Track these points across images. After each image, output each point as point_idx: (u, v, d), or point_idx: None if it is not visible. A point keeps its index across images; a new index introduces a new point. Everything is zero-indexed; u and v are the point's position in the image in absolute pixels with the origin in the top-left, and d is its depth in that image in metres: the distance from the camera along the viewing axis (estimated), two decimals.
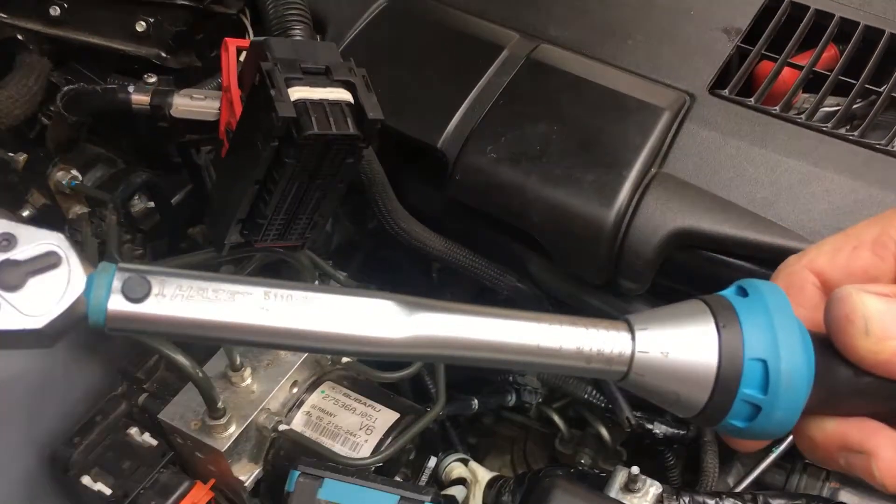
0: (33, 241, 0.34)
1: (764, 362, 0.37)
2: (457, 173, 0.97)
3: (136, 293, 0.34)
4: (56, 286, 0.33)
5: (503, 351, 0.39)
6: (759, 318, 0.38)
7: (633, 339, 0.39)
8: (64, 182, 0.89)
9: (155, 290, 0.34)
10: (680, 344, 0.38)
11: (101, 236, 0.81)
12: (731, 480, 1.04)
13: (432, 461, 0.85)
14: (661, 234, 0.91)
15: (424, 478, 0.85)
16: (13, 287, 0.33)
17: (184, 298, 0.35)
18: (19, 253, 0.33)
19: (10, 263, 0.33)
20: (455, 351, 0.39)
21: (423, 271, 1.27)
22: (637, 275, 0.92)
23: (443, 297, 1.05)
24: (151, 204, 0.95)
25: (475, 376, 1.15)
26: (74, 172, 0.92)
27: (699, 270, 0.95)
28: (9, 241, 0.33)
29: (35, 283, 0.33)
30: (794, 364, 0.37)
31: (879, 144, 0.87)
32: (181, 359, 0.69)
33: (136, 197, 0.95)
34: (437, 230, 1.03)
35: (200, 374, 0.70)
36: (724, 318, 0.38)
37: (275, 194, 0.65)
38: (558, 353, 0.39)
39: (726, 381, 0.37)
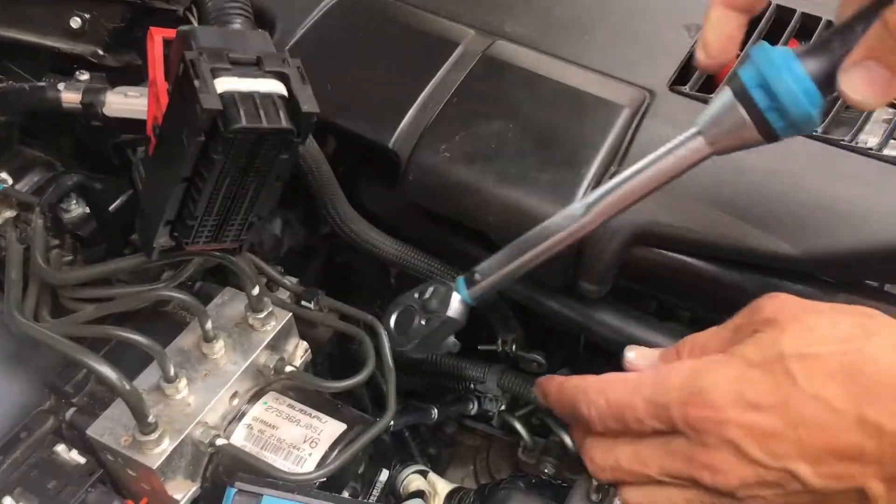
0: None
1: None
2: (410, 173, 0.93)
3: None
4: None
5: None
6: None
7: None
8: None
9: None
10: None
11: (26, 241, 0.76)
12: None
13: (384, 474, 0.81)
14: (621, 234, 0.88)
15: (376, 492, 0.81)
16: None
17: None
18: None
19: None
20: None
21: (381, 277, 1.23)
22: (597, 276, 0.89)
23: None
24: (88, 209, 0.90)
25: (435, 384, 1.11)
26: (3, 175, 0.87)
27: (661, 271, 0.92)
28: None
29: None
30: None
31: (843, 140, 0.85)
32: (106, 370, 0.65)
33: (73, 202, 0.90)
34: (392, 234, 0.99)
35: (127, 387, 0.65)
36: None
37: (203, 193, 0.61)
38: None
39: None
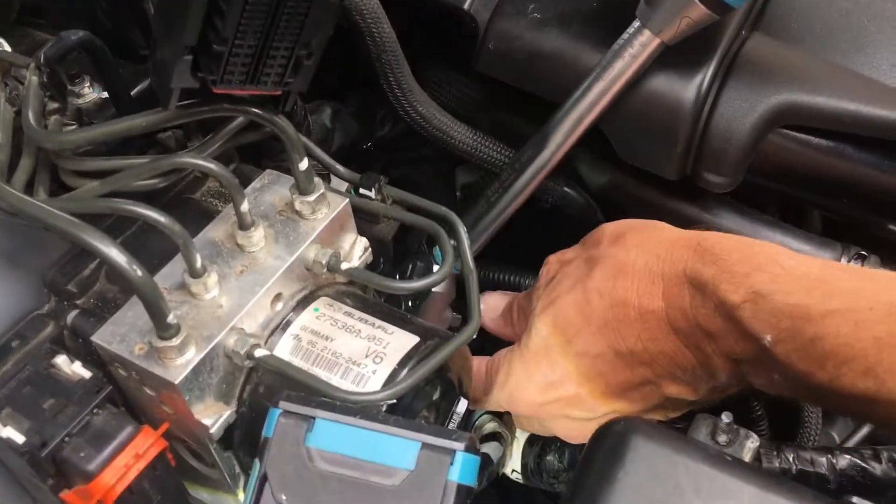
0: None
1: None
2: (489, 41, 0.76)
3: None
4: None
5: None
6: None
7: None
8: None
9: None
10: None
11: (17, 104, 0.60)
12: (836, 435, 0.84)
13: (462, 404, 0.65)
14: (758, 111, 0.70)
15: (452, 426, 0.65)
16: None
17: None
18: None
19: None
20: None
21: (445, 192, 1.06)
22: (726, 165, 0.71)
23: (466, 218, 0.85)
24: (105, 94, 0.75)
25: None
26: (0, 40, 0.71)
27: (803, 160, 0.74)
28: None
29: None
30: None
31: None
32: (113, 251, 0.49)
33: (87, 84, 0.75)
34: None
35: (139, 273, 0.49)
36: None
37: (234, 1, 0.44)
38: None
39: None
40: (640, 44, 0.67)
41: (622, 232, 0.66)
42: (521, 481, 0.85)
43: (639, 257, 0.62)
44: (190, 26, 0.46)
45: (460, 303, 0.82)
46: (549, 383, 0.66)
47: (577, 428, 0.68)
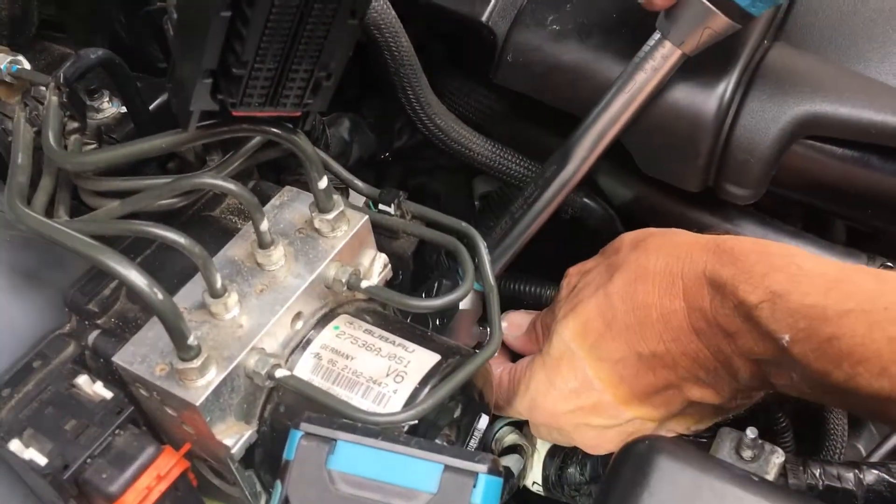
0: None
1: None
2: (508, 53, 0.75)
3: None
4: None
5: None
6: None
7: None
8: (3, 67, 0.69)
9: None
10: None
11: (37, 123, 0.60)
12: (861, 447, 0.82)
13: (483, 420, 0.64)
14: (782, 122, 0.69)
15: (473, 443, 0.64)
16: None
17: None
18: None
19: None
20: None
21: (463, 201, 1.06)
22: (749, 177, 0.70)
23: (484, 227, 0.84)
24: (124, 109, 0.75)
25: None
26: (20, 57, 0.71)
27: (827, 170, 0.73)
28: None
29: None
30: None
31: None
32: (133, 274, 0.49)
33: (106, 99, 0.75)
34: None
35: (159, 296, 0.49)
36: None
37: (253, 23, 0.44)
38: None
39: None
40: (661, 56, 0.66)
41: (642, 238, 0.66)
42: (541, 493, 0.85)
43: (659, 260, 0.62)
44: (210, 50, 0.46)
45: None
46: (572, 390, 0.66)
47: (597, 436, 0.68)
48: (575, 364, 0.65)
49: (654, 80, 0.67)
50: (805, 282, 0.54)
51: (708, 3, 0.62)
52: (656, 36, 0.66)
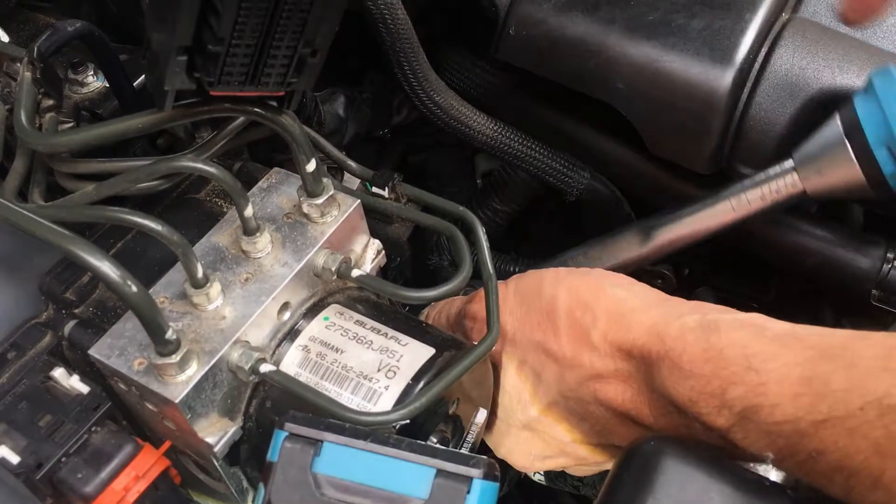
0: None
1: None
2: (510, 26, 0.71)
3: None
4: None
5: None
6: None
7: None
8: None
9: None
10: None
11: (10, 101, 0.57)
12: None
13: (481, 415, 0.61)
14: (798, 100, 0.65)
15: (471, 438, 0.61)
16: None
17: None
18: None
19: None
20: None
21: (465, 181, 1.02)
22: (763, 159, 0.67)
23: (486, 207, 0.80)
24: (107, 84, 0.71)
25: None
26: None
27: None
28: None
29: None
30: None
31: None
32: (103, 264, 0.45)
33: (90, 73, 0.72)
34: None
35: (133, 288, 0.46)
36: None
37: None
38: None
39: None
40: (784, 184, 0.63)
41: (578, 319, 0.57)
42: (543, 483, 0.82)
43: (610, 361, 0.56)
44: (183, 25, 0.42)
45: None
46: (541, 457, 0.64)
47: (585, 469, 0.66)
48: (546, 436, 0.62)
49: (763, 206, 0.65)
50: (769, 392, 0.47)
51: (856, 162, 0.59)
52: (788, 163, 0.63)
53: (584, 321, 0.56)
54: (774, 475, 0.54)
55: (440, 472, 0.47)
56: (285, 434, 0.48)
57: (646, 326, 0.53)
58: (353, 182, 0.73)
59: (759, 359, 0.48)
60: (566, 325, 0.57)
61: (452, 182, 1.00)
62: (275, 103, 0.52)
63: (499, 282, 0.61)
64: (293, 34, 0.45)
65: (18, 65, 0.59)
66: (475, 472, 0.47)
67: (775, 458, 0.48)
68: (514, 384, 0.61)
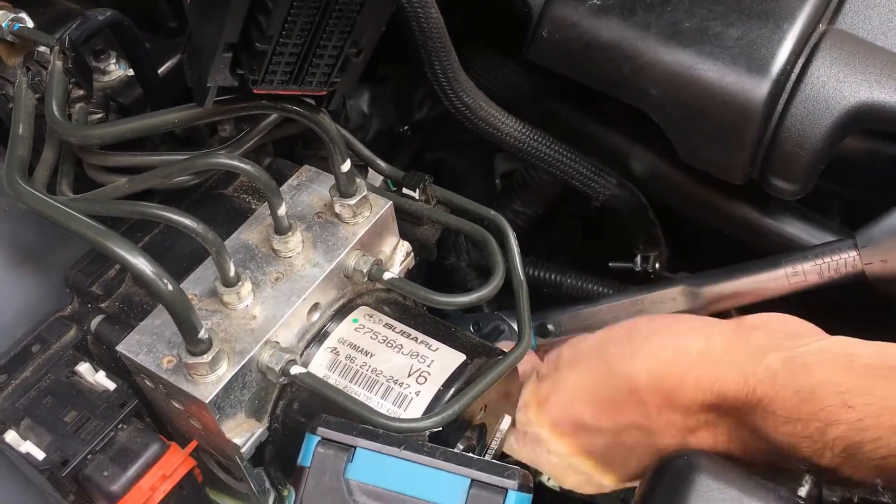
0: None
1: None
2: (543, 28, 0.70)
3: None
4: None
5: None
6: None
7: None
8: (4, 25, 0.64)
9: None
10: None
11: (40, 90, 0.56)
12: None
13: (506, 421, 0.61)
14: (835, 113, 0.64)
15: (495, 445, 0.61)
16: None
17: None
18: None
19: None
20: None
21: (483, 179, 1.01)
22: (797, 171, 0.66)
23: (507, 209, 0.79)
24: (132, 72, 0.70)
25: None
26: (22, 15, 0.67)
27: (880, 164, 0.68)
28: None
29: None
30: None
31: None
32: (138, 260, 0.45)
33: (113, 61, 0.70)
34: None
35: (168, 286, 0.45)
36: None
37: None
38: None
39: None
40: (843, 260, 0.63)
41: (662, 385, 0.55)
42: (557, 489, 0.82)
43: (702, 416, 0.55)
44: (231, 23, 0.42)
45: None
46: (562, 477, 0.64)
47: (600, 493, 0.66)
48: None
49: (819, 280, 0.64)
50: (868, 427, 0.46)
51: None
52: (850, 241, 0.63)
53: (668, 384, 0.55)
54: (805, 491, 0.54)
55: (475, 483, 0.47)
56: (318, 439, 0.48)
57: (732, 378, 0.52)
58: (377, 179, 0.72)
59: (853, 395, 0.47)
60: (652, 397, 0.55)
61: (471, 181, 0.99)
62: (313, 101, 0.52)
63: (545, 354, 0.62)
64: (341, 34, 0.44)
65: (47, 52, 0.58)
66: (510, 484, 0.46)
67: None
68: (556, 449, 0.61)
